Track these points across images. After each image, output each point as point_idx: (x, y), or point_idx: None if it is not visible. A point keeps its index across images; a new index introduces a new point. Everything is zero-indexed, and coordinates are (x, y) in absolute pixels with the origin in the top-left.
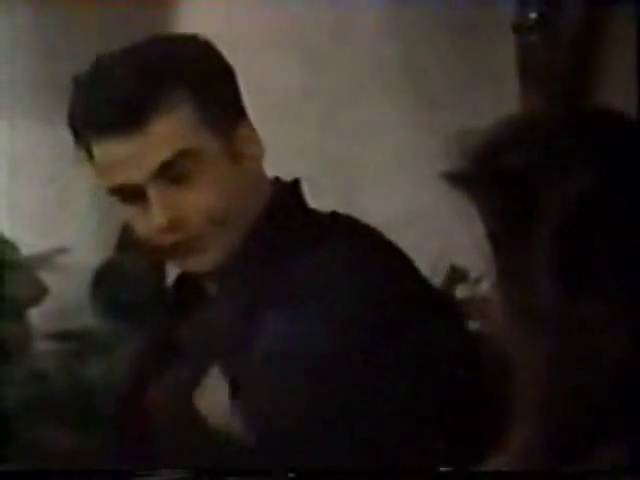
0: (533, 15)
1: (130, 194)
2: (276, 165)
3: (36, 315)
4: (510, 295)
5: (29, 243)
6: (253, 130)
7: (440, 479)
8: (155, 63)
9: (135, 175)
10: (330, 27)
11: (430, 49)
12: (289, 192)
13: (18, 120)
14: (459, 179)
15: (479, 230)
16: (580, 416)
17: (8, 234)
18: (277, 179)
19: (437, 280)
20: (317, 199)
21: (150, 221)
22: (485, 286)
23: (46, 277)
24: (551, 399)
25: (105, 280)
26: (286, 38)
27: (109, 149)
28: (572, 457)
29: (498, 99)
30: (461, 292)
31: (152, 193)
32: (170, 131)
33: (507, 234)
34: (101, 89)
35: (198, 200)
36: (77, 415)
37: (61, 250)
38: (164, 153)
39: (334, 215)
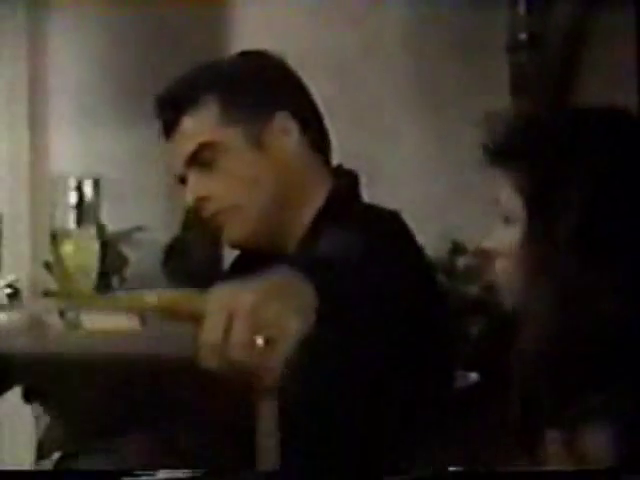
0: (522, 36)
1: (183, 182)
2: None
3: (117, 282)
4: (532, 254)
5: (113, 223)
6: (288, 120)
7: (442, 478)
8: (194, 77)
9: (177, 166)
10: (356, 45)
11: (439, 65)
12: (347, 186)
13: (103, 123)
14: (497, 153)
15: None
16: (577, 365)
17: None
18: (338, 168)
19: (442, 252)
20: None
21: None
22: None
23: (126, 250)
24: (552, 349)
25: (173, 254)
26: (317, 54)
27: (167, 146)
28: (567, 402)
29: (494, 107)
30: (461, 262)
31: (188, 179)
32: (195, 128)
33: (536, 202)
34: (162, 95)
35: (218, 184)
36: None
37: (139, 228)
38: (190, 146)
39: (377, 210)
